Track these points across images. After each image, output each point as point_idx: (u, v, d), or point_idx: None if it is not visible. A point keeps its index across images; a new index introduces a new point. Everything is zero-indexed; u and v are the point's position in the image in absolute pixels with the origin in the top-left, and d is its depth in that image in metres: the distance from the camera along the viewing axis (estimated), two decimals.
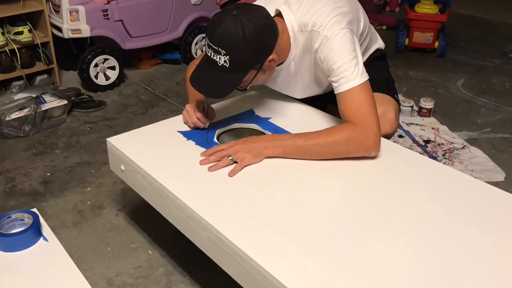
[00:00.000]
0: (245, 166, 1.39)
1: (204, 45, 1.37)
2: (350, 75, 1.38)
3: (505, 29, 4.34)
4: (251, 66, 1.38)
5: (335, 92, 1.43)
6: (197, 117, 1.57)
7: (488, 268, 1.06)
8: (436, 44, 3.65)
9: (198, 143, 1.52)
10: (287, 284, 1.01)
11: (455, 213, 1.23)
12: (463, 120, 2.79)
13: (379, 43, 1.85)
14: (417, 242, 1.14)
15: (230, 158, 1.39)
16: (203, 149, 1.48)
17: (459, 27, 4.25)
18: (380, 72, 1.76)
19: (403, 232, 1.17)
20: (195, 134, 1.57)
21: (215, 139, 1.54)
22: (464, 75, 3.38)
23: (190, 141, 1.54)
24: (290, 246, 1.11)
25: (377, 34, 1.85)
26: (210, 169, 1.39)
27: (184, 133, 1.58)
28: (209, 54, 1.36)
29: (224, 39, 1.31)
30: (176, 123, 1.66)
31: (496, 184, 1.37)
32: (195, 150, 1.49)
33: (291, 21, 1.47)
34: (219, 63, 1.34)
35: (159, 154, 1.49)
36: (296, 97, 1.75)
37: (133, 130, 1.67)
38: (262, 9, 1.38)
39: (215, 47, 1.33)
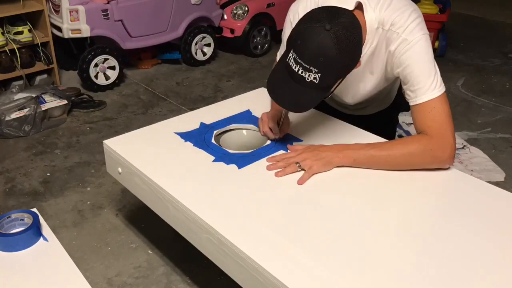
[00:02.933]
0: (314, 174, 1.34)
1: (289, 56, 1.23)
2: (429, 86, 1.31)
3: (505, 29, 4.34)
4: (339, 79, 1.29)
5: (411, 103, 1.34)
6: (269, 127, 1.50)
7: (488, 267, 1.06)
8: (436, 44, 3.65)
9: (196, 144, 1.51)
10: (289, 285, 1.01)
11: (455, 212, 1.23)
12: (463, 120, 2.79)
13: None
14: (418, 241, 1.14)
15: (298, 165, 1.35)
16: (202, 151, 1.48)
17: (459, 27, 4.25)
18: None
19: (403, 232, 1.17)
20: (192, 135, 1.56)
21: (212, 140, 1.53)
22: (464, 75, 3.38)
23: (188, 142, 1.53)
24: (292, 247, 1.11)
25: None
26: (277, 174, 1.35)
27: (181, 135, 1.57)
28: (295, 69, 1.22)
29: (318, 58, 1.19)
30: (173, 125, 1.64)
31: (496, 184, 1.37)
32: (193, 152, 1.48)
33: (371, 18, 1.33)
34: (307, 79, 1.22)
35: (157, 156, 1.47)
36: (347, 101, 1.60)
37: (130, 132, 1.66)
38: (355, 20, 1.23)
39: (306, 65, 1.20)
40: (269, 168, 1.39)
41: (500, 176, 2.26)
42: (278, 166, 1.38)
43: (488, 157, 2.41)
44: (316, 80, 1.21)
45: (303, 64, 1.20)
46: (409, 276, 1.04)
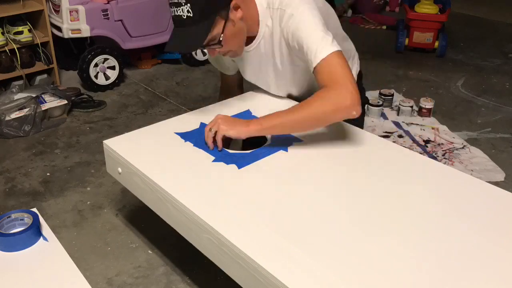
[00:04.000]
0: (223, 134, 1.42)
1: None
2: (316, 48, 1.35)
3: (505, 29, 4.34)
4: (215, 11, 1.37)
5: (311, 71, 1.39)
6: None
7: (488, 267, 1.06)
8: (436, 44, 3.65)
9: (196, 144, 1.51)
10: (289, 285, 1.01)
11: (456, 212, 1.23)
12: (463, 120, 2.79)
13: (356, 64, 1.78)
14: (418, 241, 1.14)
15: (212, 130, 1.45)
16: (201, 151, 1.47)
17: (459, 27, 4.25)
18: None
19: (404, 232, 1.17)
20: (192, 135, 1.56)
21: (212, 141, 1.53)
22: (464, 75, 3.38)
23: (188, 142, 1.53)
24: (292, 247, 1.11)
25: (354, 51, 1.78)
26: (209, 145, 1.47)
27: (181, 135, 1.57)
28: (173, 14, 1.39)
29: None
30: (173, 125, 1.64)
31: (496, 184, 1.37)
32: (193, 152, 1.48)
33: None
34: (184, 15, 1.36)
35: (157, 156, 1.47)
36: (273, 92, 1.71)
37: (130, 132, 1.66)
38: None
39: (174, 1, 1.36)
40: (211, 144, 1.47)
41: (500, 176, 2.26)
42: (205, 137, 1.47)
43: (488, 157, 2.41)
44: (190, 13, 1.34)
45: (173, 1, 1.36)
46: (409, 276, 1.04)
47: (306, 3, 1.42)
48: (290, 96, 1.73)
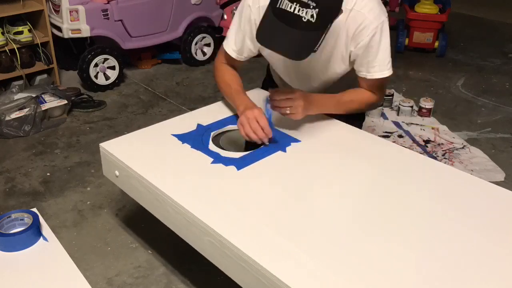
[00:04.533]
0: (297, 119, 1.51)
1: (280, 1, 1.23)
2: (385, 66, 1.51)
3: (505, 29, 4.34)
4: (333, 19, 1.28)
5: (367, 76, 1.53)
6: (261, 125, 1.45)
7: (490, 267, 1.06)
8: (436, 44, 3.65)
9: (194, 146, 1.50)
10: (293, 287, 1.00)
11: (456, 212, 1.23)
12: (463, 120, 2.79)
13: None
14: (419, 241, 1.14)
15: (288, 111, 1.48)
16: (200, 152, 1.47)
17: (459, 27, 4.25)
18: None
19: (404, 232, 1.17)
20: (189, 137, 1.55)
21: (210, 141, 1.53)
22: (464, 75, 3.38)
23: (186, 144, 1.52)
24: (295, 248, 1.11)
25: None
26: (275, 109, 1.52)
27: (178, 136, 1.56)
28: (291, 10, 1.21)
29: None
30: (170, 126, 1.62)
31: (496, 184, 1.37)
32: (191, 154, 1.47)
33: None
34: (304, 18, 1.21)
35: (155, 158, 1.46)
36: (305, 86, 1.65)
37: (126, 134, 1.65)
38: None
39: (303, 0, 1.20)
40: (276, 108, 1.52)
41: (500, 176, 2.26)
42: (280, 105, 1.49)
43: (488, 157, 2.41)
44: (313, 18, 1.21)
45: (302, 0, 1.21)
46: (410, 275, 1.04)
47: (384, 13, 1.46)
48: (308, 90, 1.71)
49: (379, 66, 1.50)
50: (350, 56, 1.52)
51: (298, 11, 1.21)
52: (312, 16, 1.21)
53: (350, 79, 1.63)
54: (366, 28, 1.43)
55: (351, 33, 1.45)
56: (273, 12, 1.26)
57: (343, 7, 1.30)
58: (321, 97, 1.57)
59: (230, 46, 1.63)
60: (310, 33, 1.24)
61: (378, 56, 1.48)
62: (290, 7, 1.22)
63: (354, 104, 1.61)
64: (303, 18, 1.22)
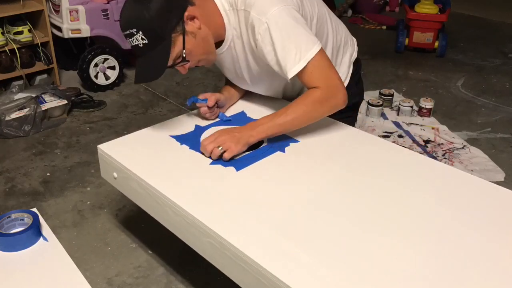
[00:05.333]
0: (233, 154, 1.41)
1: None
2: (295, 55, 1.35)
3: (505, 29, 4.34)
4: (170, 30, 1.34)
5: (289, 77, 1.38)
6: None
7: (490, 266, 1.06)
8: (436, 44, 3.65)
9: (192, 147, 1.50)
10: (294, 287, 1.00)
11: (456, 212, 1.23)
12: (463, 120, 2.79)
13: (350, 50, 1.70)
14: (419, 241, 1.13)
15: (220, 148, 1.41)
16: (198, 153, 1.46)
17: (459, 27, 4.26)
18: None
19: (405, 232, 1.17)
20: (188, 138, 1.55)
21: None
22: (464, 75, 3.38)
23: (184, 145, 1.51)
24: (295, 248, 1.11)
25: (348, 36, 1.70)
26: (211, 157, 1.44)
27: (177, 138, 1.55)
28: (130, 46, 1.38)
29: (129, 19, 1.33)
30: (168, 127, 1.62)
31: (496, 184, 1.37)
32: (190, 155, 1.47)
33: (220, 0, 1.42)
34: (140, 44, 1.34)
35: (153, 160, 1.46)
36: (253, 90, 1.69)
37: (124, 136, 1.64)
38: None
39: (126, 32, 1.34)
40: (204, 152, 1.45)
41: (500, 176, 2.26)
42: (208, 152, 1.43)
43: (488, 157, 2.41)
44: (145, 40, 1.32)
45: (125, 33, 1.34)
46: (410, 275, 1.04)
47: (274, 5, 1.34)
48: (269, 95, 1.72)
49: (288, 62, 1.36)
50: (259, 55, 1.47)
51: (132, 42, 1.35)
52: (142, 39, 1.33)
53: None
54: (253, 27, 1.37)
55: (249, 31, 1.41)
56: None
57: (237, 8, 1.39)
58: (255, 122, 1.46)
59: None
60: (154, 51, 1.35)
61: (279, 53, 1.36)
62: (129, 43, 1.37)
63: (299, 114, 1.43)
64: (139, 45, 1.35)
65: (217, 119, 1.65)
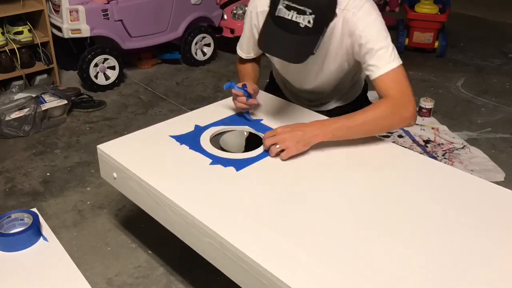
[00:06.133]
0: (292, 155, 1.40)
1: (278, 9, 1.28)
2: (388, 58, 1.42)
3: (505, 29, 4.34)
4: (328, 23, 1.34)
5: (374, 76, 1.43)
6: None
7: (490, 266, 1.06)
8: (436, 44, 3.65)
9: (192, 147, 1.50)
10: (294, 287, 1.00)
11: (456, 212, 1.23)
12: (463, 120, 2.79)
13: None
14: (419, 241, 1.13)
15: (278, 146, 1.40)
16: (198, 154, 1.46)
17: (459, 27, 4.26)
18: None
19: (405, 232, 1.17)
20: (187, 138, 1.54)
21: (209, 142, 1.52)
22: (464, 75, 3.38)
23: (184, 145, 1.51)
24: (295, 248, 1.11)
25: None
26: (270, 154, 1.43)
27: (176, 138, 1.55)
28: (288, 17, 1.27)
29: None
30: (168, 127, 1.62)
31: (496, 184, 1.37)
32: (189, 155, 1.47)
33: None
34: (302, 24, 1.27)
35: (153, 160, 1.45)
36: (305, 86, 1.69)
37: (123, 136, 1.64)
38: None
39: (300, 8, 1.26)
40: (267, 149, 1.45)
41: (500, 176, 2.26)
42: (265, 147, 1.44)
43: (488, 157, 2.41)
44: (310, 24, 1.27)
45: (298, 6, 1.26)
46: (410, 275, 1.04)
47: (376, 10, 1.44)
48: (308, 90, 1.72)
49: (381, 61, 1.42)
50: (348, 55, 1.51)
51: (296, 18, 1.27)
52: (309, 21, 1.27)
53: (350, 81, 1.65)
54: (357, 25, 1.42)
55: (346, 31, 1.45)
56: (272, 20, 1.31)
57: (337, 9, 1.36)
58: (320, 124, 1.44)
59: (239, 49, 1.74)
60: (307, 37, 1.30)
61: (377, 51, 1.42)
62: (288, 15, 1.27)
63: (368, 119, 1.42)
64: (300, 24, 1.27)
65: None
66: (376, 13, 1.44)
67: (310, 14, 1.26)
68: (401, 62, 1.45)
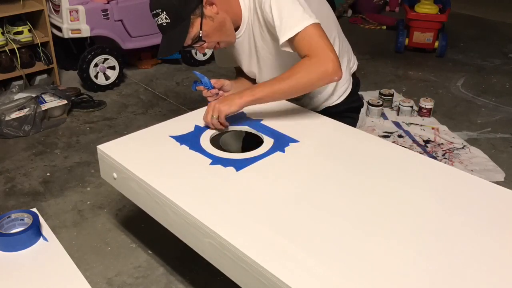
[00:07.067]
0: (224, 115, 1.50)
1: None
2: (297, 19, 1.43)
3: (505, 29, 4.34)
4: (189, 12, 1.48)
5: (287, 40, 1.45)
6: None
7: (489, 266, 1.06)
8: (436, 44, 3.65)
9: (192, 147, 1.50)
10: (294, 287, 1.00)
11: (457, 211, 1.23)
12: (463, 120, 2.79)
13: (353, 61, 1.81)
14: (419, 241, 1.13)
15: (214, 116, 1.52)
16: (198, 154, 1.46)
17: (459, 27, 4.25)
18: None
19: (405, 231, 1.17)
20: (187, 138, 1.54)
21: (208, 143, 1.52)
22: (464, 75, 3.38)
23: (184, 145, 1.51)
24: (295, 248, 1.11)
25: (351, 51, 1.80)
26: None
27: (176, 138, 1.55)
28: (157, 24, 1.52)
29: (156, 0, 1.49)
30: (168, 128, 1.62)
31: (496, 184, 1.37)
32: (189, 155, 1.47)
33: None
34: (163, 23, 1.49)
35: (153, 160, 1.45)
36: (266, 77, 1.67)
37: (123, 136, 1.64)
38: None
39: (153, 12, 1.50)
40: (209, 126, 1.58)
41: (500, 176, 2.26)
42: (208, 123, 1.57)
43: (488, 157, 2.41)
44: (168, 19, 1.48)
45: (152, 13, 1.50)
46: (410, 275, 1.04)
47: None
48: None
49: (284, 27, 1.44)
50: (268, 28, 1.55)
51: (158, 21, 1.51)
52: (166, 18, 1.48)
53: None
54: (261, 3, 1.49)
55: (257, 9, 1.53)
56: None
57: None
58: (247, 88, 1.56)
59: (218, 63, 1.94)
60: (174, 30, 1.50)
61: (278, 20, 1.44)
62: (155, 22, 1.52)
63: (286, 76, 1.47)
64: (163, 24, 1.50)
65: None
66: None
67: (161, 12, 1.48)
68: (313, 21, 1.44)
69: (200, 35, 1.51)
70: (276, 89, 1.49)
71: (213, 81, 1.65)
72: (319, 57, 1.44)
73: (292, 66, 1.48)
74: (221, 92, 1.67)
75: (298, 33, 1.43)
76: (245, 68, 1.75)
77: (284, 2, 1.45)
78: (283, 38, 1.45)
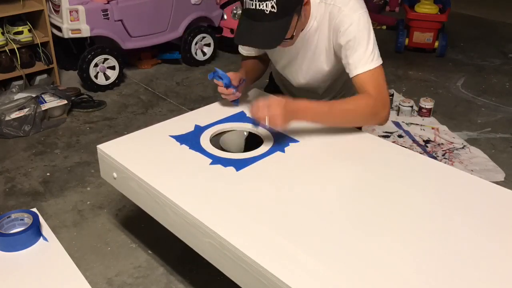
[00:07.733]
0: (277, 129, 1.49)
1: (244, 2, 1.38)
2: (368, 58, 1.45)
3: (505, 29, 4.34)
4: (295, 8, 1.39)
5: (354, 74, 1.46)
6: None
7: (489, 266, 1.06)
8: (436, 44, 3.65)
9: (192, 147, 1.50)
10: (294, 287, 1.00)
11: (456, 211, 1.23)
12: (463, 120, 2.79)
13: None
14: (419, 241, 1.13)
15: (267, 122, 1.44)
16: (198, 154, 1.46)
17: (459, 27, 4.26)
18: None
19: (405, 231, 1.17)
20: (187, 138, 1.54)
21: (208, 142, 1.52)
22: (464, 75, 3.38)
23: (184, 145, 1.51)
24: (295, 248, 1.11)
25: None
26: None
27: (176, 138, 1.55)
28: (253, 7, 1.36)
29: None
30: (168, 127, 1.62)
31: (496, 184, 1.37)
32: (189, 155, 1.47)
33: None
34: (267, 10, 1.35)
35: (153, 160, 1.45)
36: (299, 80, 1.70)
37: (124, 136, 1.64)
38: None
39: None
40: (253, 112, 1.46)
41: (500, 176, 2.26)
42: (257, 115, 1.43)
43: (488, 157, 2.41)
44: (275, 8, 1.34)
45: None
46: (410, 275, 1.04)
47: (362, 7, 1.47)
48: (303, 87, 1.73)
49: (361, 60, 1.46)
50: (334, 50, 1.53)
51: (259, 6, 1.35)
52: (272, 6, 1.35)
53: (343, 81, 1.66)
54: (342, 21, 1.46)
55: (332, 26, 1.49)
56: (243, 13, 1.42)
57: (326, 2, 1.46)
58: (307, 103, 1.46)
59: (240, 47, 1.77)
60: (276, 22, 1.37)
61: (358, 49, 1.45)
62: (252, 5, 1.36)
63: (350, 109, 1.48)
64: (265, 11, 1.36)
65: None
66: (362, 10, 1.47)
67: None
68: (381, 62, 1.48)
69: (294, 34, 1.44)
70: (332, 115, 1.49)
71: (231, 76, 1.63)
72: (381, 101, 1.47)
73: (354, 98, 1.49)
74: (237, 93, 1.66)
75: (368, 70, 1.45)
76: (279, 65, 1.73)
77: (365, 33, 1.46)
78: (355, 71, 1.46)
